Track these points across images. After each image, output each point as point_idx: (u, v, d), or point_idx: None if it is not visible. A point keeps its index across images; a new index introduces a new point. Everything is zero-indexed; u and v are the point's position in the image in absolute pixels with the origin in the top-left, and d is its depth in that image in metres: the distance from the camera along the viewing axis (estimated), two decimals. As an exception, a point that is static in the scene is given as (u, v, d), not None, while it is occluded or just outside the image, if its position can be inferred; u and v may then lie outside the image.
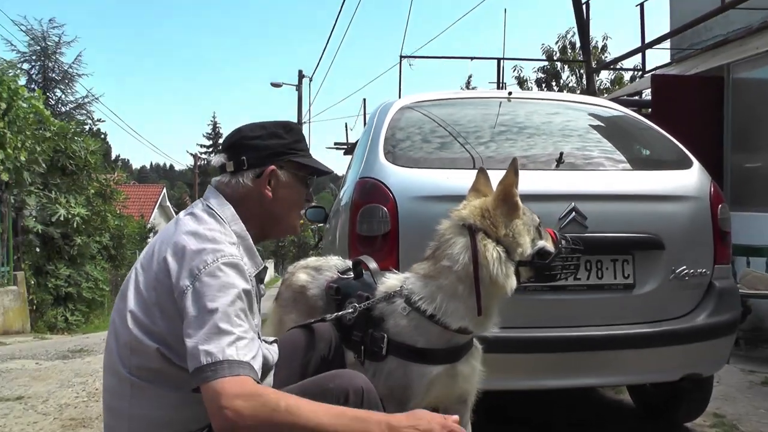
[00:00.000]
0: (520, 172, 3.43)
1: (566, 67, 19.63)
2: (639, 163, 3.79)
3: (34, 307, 10.80)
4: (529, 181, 3.35)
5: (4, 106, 9.24)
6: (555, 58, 19.72)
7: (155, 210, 39.73)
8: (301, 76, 29.42)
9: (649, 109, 8.50)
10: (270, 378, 2.08)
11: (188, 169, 46.08)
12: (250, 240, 1.97)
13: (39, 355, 5.97)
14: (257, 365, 1.72)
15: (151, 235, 33.58)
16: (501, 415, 3.85)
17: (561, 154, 3.46)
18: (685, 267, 3.31)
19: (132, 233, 17.26)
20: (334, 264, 2.82)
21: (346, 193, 4.14)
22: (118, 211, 15.90)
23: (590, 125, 4.11)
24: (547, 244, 2.33)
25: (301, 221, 2.25)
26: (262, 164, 2.00)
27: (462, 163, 3.52)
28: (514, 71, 19.34)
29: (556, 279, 2.41)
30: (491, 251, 2.20)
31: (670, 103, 7.80)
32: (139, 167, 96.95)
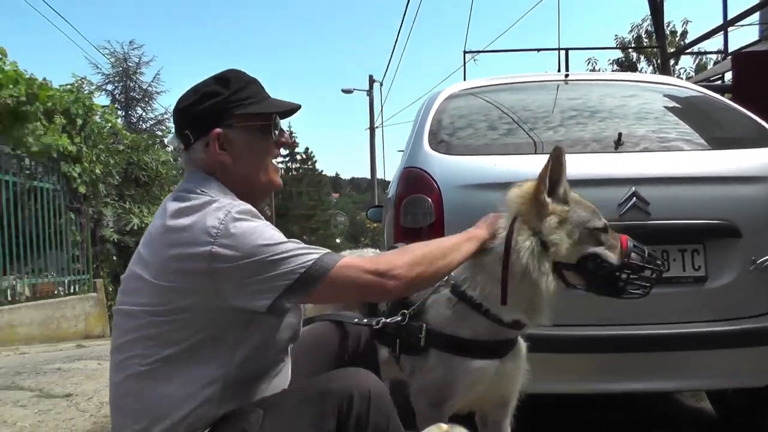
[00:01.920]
0: (575, 156, 3.20)
1: (642, 57, 18.73)
2: (711, 142, 3.41)
3: (111, 312, 11.09)
4: (584, 165, 3.10)
5: (80, 122, 9.56)
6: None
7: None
8: (371, 81, 29.51)
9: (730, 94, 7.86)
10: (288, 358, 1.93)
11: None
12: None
13: (105, 357, 6.05)
14: None
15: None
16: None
17: (619, 135, 3.17)
18: (766, 258, 2.93)
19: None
20: (368, 255, 2.63)
21: (392, 186, 3.99)
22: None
23: (655, 105, 3.77)
24: (606, 252, 2.01)
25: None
26: (205, 131, 1.80)
27: (511, 148, 3.30)
28: (588, 64, 18.70)
29: (618, 295, 2.06)
30: (524, 239, 1.99)
31: (753, 81, 7.14)
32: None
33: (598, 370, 3.03)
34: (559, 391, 3.12)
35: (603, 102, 3.65)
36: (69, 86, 9.61)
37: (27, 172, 8.75)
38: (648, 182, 2.99)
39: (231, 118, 1.81)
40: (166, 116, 22.40)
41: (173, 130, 1.92)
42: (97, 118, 10.12)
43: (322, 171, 65.88)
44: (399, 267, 1.72)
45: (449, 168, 3.25)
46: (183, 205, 1.72)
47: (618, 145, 3.16)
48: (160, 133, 19.57)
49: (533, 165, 3.06)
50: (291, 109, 1.96)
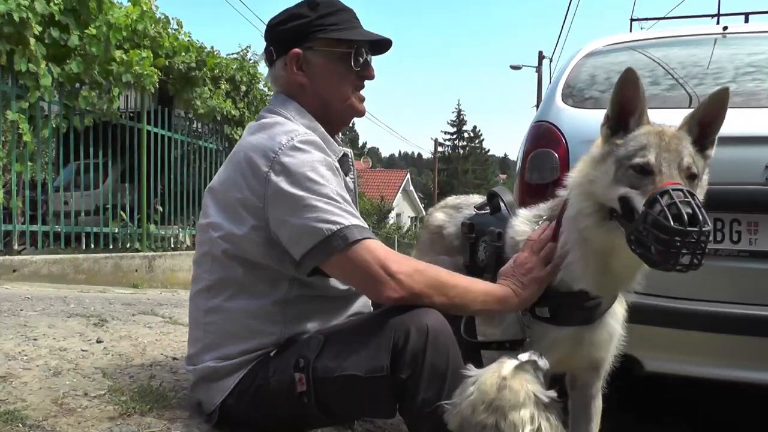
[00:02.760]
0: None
1: None
2: None
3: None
4: (730, 121, 2.78)
5: (244, 88, 10.13)
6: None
7: (398, 194, 41.67)
8: (541, 57, 28.55)
9: None
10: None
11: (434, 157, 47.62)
12: (322, 130, 1.83)
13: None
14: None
15: (391, 215, 35.43)
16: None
17: (776, 88, 2.79)
18: None
19: (363, 209, 18.09)
20: (473, 202, 2.50)
21: (521, 144, 3.82)
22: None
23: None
24: (636, 197, 1.55)
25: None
26: (286, 50, 1.82)
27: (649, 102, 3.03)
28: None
29: (645, 259, 1.54)
30: (577, 173, 1.74)
31: None
32: (387, 155, 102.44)
33: (741, 355, 2.72)
34: (697, 376, 2.84)
35: (762, 55, 3.24)
36: (235, 55, 10.17)
37: (196, 132, 9.41)
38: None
39: (312, 41, 1.82)
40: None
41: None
42: (260, 86, 10.61)
43: (488, 150, 65.32)
44: (409, 279, 1.61)
45: (579, 121, 3.05)
46: (257, 123, 1.79)
47: (774, 100, 2.80)
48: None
49: (667, 119, 2.82)
50: (378, 42, 1.92)
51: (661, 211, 1.44)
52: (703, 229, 1.43)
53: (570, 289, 1.77)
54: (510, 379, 1.42)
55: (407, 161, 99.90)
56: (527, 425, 1.35)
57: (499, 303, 1.73)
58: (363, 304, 1.90)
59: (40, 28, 5.98)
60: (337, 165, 1.76)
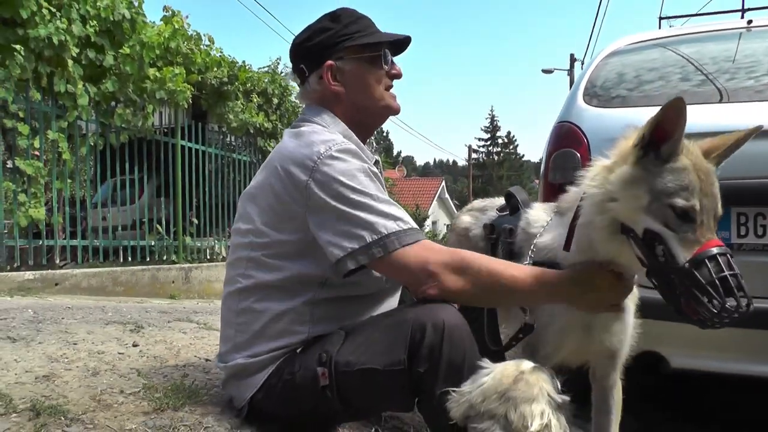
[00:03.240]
0: (736, 104, 2.88)
1: None
2: None
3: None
4: (755, 115, 2.77)
5: (276, 101, 10.32)
6: None
7: (434, 201, 41.62)
8: (572, 60, 28.34)
9: None
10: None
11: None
12: (356, 138, 1.91)
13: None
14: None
15: (427, 222, 35.42)
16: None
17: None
18: None
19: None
20: (497, 204, 2.56)
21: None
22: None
23: None
24: (672, 241, 1.53)
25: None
26: (318, 64, 1.90)
27: (666, 100, 3.04)
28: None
29: (672, 304, 1.57)
30: (596, 185, 1.69)
31: None
32: (423, 164, 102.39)
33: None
34: (724, 372, 2.83)
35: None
36: (266, 68, 10.36)
37: (230, 146, 9.60)
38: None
39: (342, 51, 1.91)
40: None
41: (291, 67, 2.05)
42: (292, 98, 10.79)
43: (523, 156, 64.97)
44: (450, 279, 1.66)
45: (600, 121, 3.09)
46: (293, 131, 1.86)
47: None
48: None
49: (689, 116, 2.83)
50: (401, 41, 2.01)
51: (711, 281, 1.45)
52: (749, 308, 1.46)
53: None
54: (528, 373, 1.44)
55: (442, 169, 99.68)
56: (537, 419, 1.36)
57: (549, 294, 1.73)
58: (391, 304, 1.96)
59: (77, 50, 6.21)
60: (375, 170, 1.82)
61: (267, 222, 1.79)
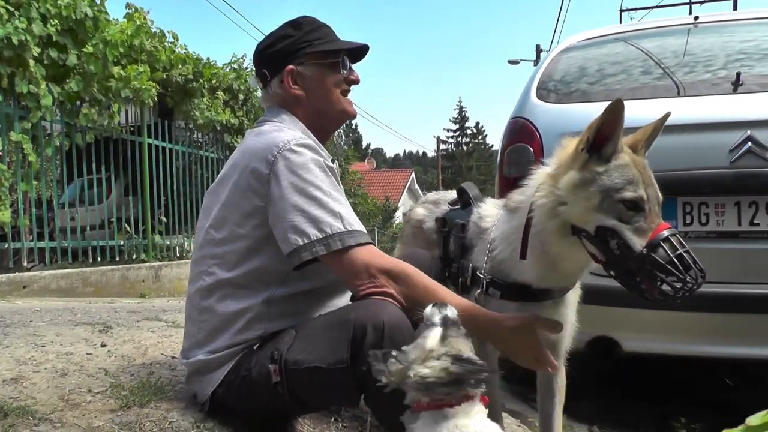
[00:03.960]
0: (684, 99, 3.02)
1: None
2: None
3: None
4: (694, 108, 2.92)
5: (242, 97, 10.34)
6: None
7: (404, 193, 41.76)
8: (538, 50, 28.55)
9: None
10: None
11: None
12: (314, 137, 1.99)
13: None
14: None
15: (397, 214, 35.54)
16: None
17: (738, 75, 2.93)
18: None
19: (366, 210, 18.21)
20: (450, 198, 2.66)
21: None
22: (352, 190, 16.89)
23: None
24: (627, 232, 1.65)
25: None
26: (280, 69, 1.99)
27: (616, 95, 3.16)
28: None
29: (634, 291, 1.70)
30: (542, 195, 1.80)
31: None
32: (392, 155, 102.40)
33: (715, 332, 2.85)
34: (673, 353, 2.98)
35: (731, 44, 3.37)
36: (231, 65, 10.33)
37: (197, 143, 9.59)
38: (766, 125, 2.76)
39: (303, 56, 2.01)
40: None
41: (254, 72, 2.14)
42: (258, 94, 10.77)
43: (492, 146, 65.34)
44: (387, 284, 1.76)
45: (552, 116, 3.20)
46: (255, 130, 1.97)
47: (737, 86, 2.94)
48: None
49: (635, 110, 2.96)
50: (359, 49, 2.11)
51: (670, 260, 1.58)
52: (704, 278, 1.59)
53: (516, 281, 1.93)
54: (452, 337, 1.46)
55: (412, 160, 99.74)
56: (434, 339, 1.43)
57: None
58: (344, 301, 2.05)
59: (38, 50, 6.16)
60: (331, 165, 1.91)
61: (229, 218, 1.87)
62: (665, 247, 1.60)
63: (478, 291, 1.99)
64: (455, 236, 2.19)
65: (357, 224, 1.82)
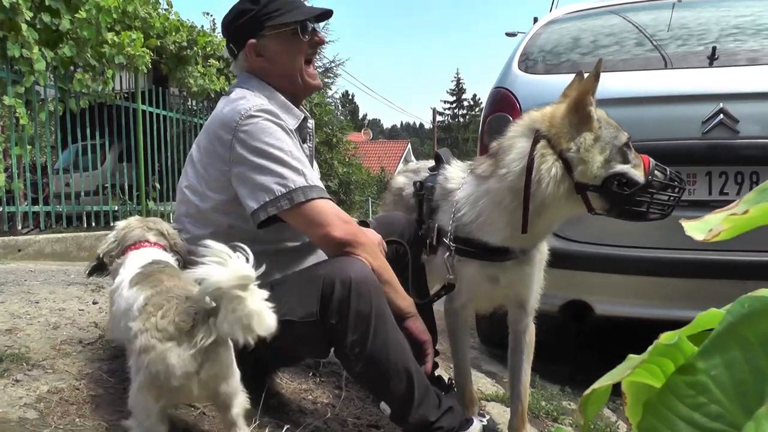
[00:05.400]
0: (662, 72, 3.10)
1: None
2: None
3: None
4: (669, 81, 3.00)
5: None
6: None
7: (400, 164, 41.75)
8: (535, 23, 28.30)
9: None
10: None
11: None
12: (281, 97, 2.08)
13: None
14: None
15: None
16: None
17: (714, 48, 3.01)
18: None
19: (360, 180, 18.23)
20: (430, 165, 2.77)
21: (483, 112, 4.04)
22: (346, 160, 16.92)
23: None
24: (633, 171, 1.94)
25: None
26: (243, 43, 2.08)
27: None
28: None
29: (642, 217, 2.00)
30: (548, 165, 1.93)
31: None
32: (389, 126, 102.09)
33: (676, 296, 2.97)
34: (638, 316, 3.10)
35: (712, 19, 3.43)
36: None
37: (191, 110, 9.62)
38: (739, 98, 2.85)
39: (263, 29, 2.08)
40: (332, 64, 21.06)
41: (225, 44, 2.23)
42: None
43: (489, 117, 65.03)
44: (345, 234, 1.90)
45: (532, 87, 3.28)
46: (225, 98, 2.06)
47: (713, 60, 3.01)
48: (328, 80, 19.31)
49: (615, 82, 3.05)
50: (311, 17, 2.15)
51: (667, 176, 2.00)
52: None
53: (480, 241, 2.07)
54: None
55: (409, 132, 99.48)
56: None
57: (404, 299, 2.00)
58: (318, 256, 2.15)
59: (31, 14, 6.15)
60: (292, 129, 2.01)
61: (201, 180, 1.98)
62: (657, 171, 1.97)
63: (447, 254, 2.11)
64: (426, 198, 2.31)
65: (318, 182, 1.93)
